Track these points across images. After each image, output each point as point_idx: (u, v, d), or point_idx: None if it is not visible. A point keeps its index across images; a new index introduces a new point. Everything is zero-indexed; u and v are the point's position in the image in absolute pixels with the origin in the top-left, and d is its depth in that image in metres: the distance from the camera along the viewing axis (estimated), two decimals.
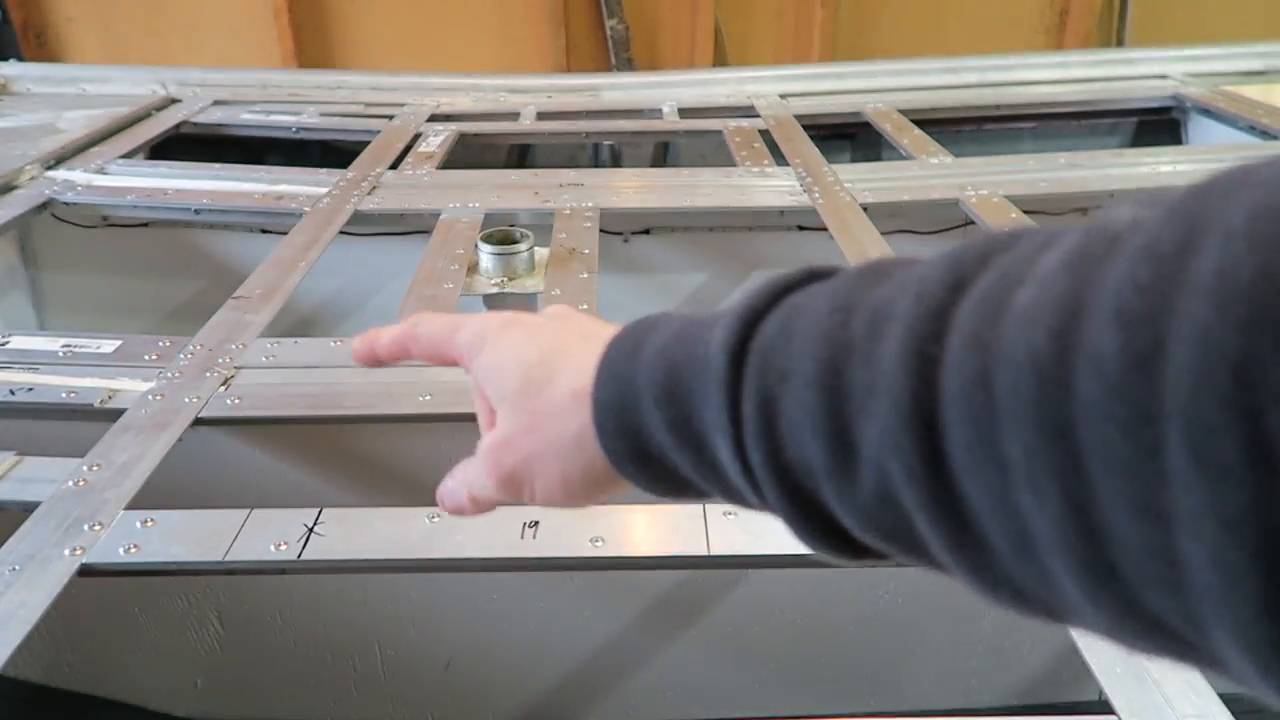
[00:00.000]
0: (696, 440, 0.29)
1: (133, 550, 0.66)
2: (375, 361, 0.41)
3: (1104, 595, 0.19)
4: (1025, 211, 1.33)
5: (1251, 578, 0.16)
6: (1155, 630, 0.19)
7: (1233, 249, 0.17)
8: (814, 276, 0.28)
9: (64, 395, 0.85)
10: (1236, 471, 0.16)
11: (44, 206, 1.38)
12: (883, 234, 1.26)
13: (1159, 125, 1.97)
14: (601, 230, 1.30)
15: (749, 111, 1.90)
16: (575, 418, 0.33)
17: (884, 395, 0.23)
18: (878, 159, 1.95)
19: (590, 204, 1.37)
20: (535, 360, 0.35)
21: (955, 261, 0.23)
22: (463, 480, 0.38)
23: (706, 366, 0.28)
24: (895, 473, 0.23)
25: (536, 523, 0.69)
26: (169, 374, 0.89)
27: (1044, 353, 0.19)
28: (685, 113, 1.90)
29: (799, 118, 1.83)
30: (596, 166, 1.99)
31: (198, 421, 0.82)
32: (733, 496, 0.29)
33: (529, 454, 0.34)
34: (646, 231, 1.63)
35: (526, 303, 1.19)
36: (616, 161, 2.01)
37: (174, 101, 1.91)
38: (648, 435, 0.30)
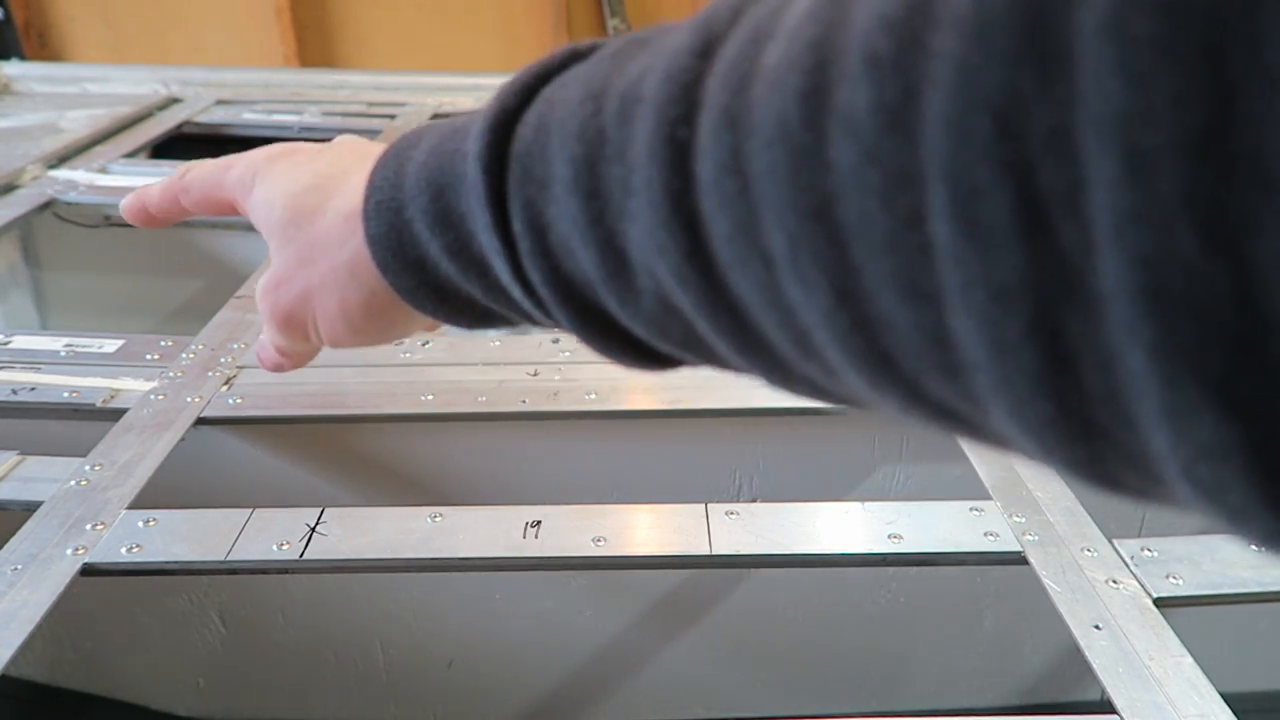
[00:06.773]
0: (480, 265, 0.26)
1: (135, 550, 0.66)
2: (149, 221, 0.37)
3: (885, 384, 0.17)
4: None
5: (1025, 353, 0.14)
6: (941, 414, 0.17)
7: None
8: (575, 56, 0.24)
9: (66, 395, 0.85)
10: (1004, 236, 0.14)
11: (46, 206, 1.39)
12: None
13: None
14: None
15: None
16: (348, 245, 0.29)
17: (641, 192, 0.20)
18: None
19: None
20: (306, 186, 0.31)
21: (707, 20, 0.20)
22: (268, 336, 0.35)
23: (467, 184, 0.25)
24: (665, 277, 0.20)
25: (539, 522, 0.69)
26: (171, 373, 0.89)
27: (794, 120, 0.16)
28: None
29: None
30: None
31: (200, 421, 0.82)
32: (530, 320, 0.27)
33: (304, 290, 0.31)
34: None
35: None
36: None
37: (176, 101, 1.91)
38: (433, 266, 0.27)
